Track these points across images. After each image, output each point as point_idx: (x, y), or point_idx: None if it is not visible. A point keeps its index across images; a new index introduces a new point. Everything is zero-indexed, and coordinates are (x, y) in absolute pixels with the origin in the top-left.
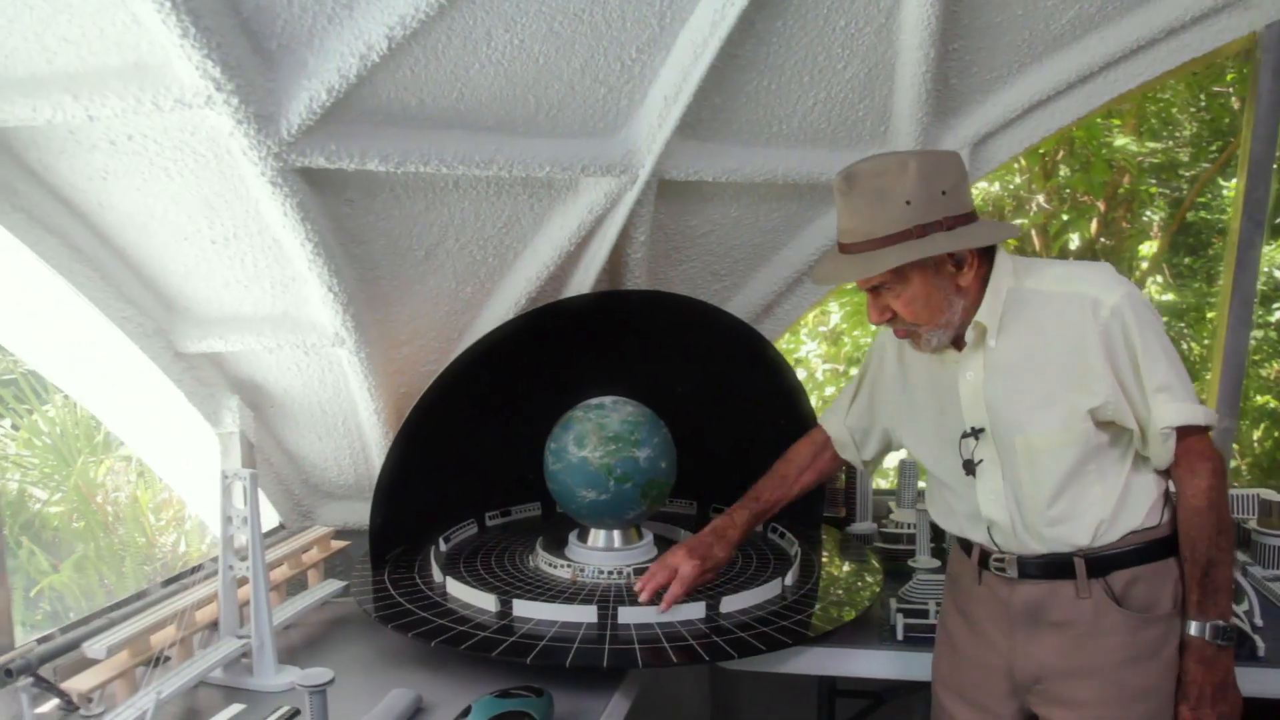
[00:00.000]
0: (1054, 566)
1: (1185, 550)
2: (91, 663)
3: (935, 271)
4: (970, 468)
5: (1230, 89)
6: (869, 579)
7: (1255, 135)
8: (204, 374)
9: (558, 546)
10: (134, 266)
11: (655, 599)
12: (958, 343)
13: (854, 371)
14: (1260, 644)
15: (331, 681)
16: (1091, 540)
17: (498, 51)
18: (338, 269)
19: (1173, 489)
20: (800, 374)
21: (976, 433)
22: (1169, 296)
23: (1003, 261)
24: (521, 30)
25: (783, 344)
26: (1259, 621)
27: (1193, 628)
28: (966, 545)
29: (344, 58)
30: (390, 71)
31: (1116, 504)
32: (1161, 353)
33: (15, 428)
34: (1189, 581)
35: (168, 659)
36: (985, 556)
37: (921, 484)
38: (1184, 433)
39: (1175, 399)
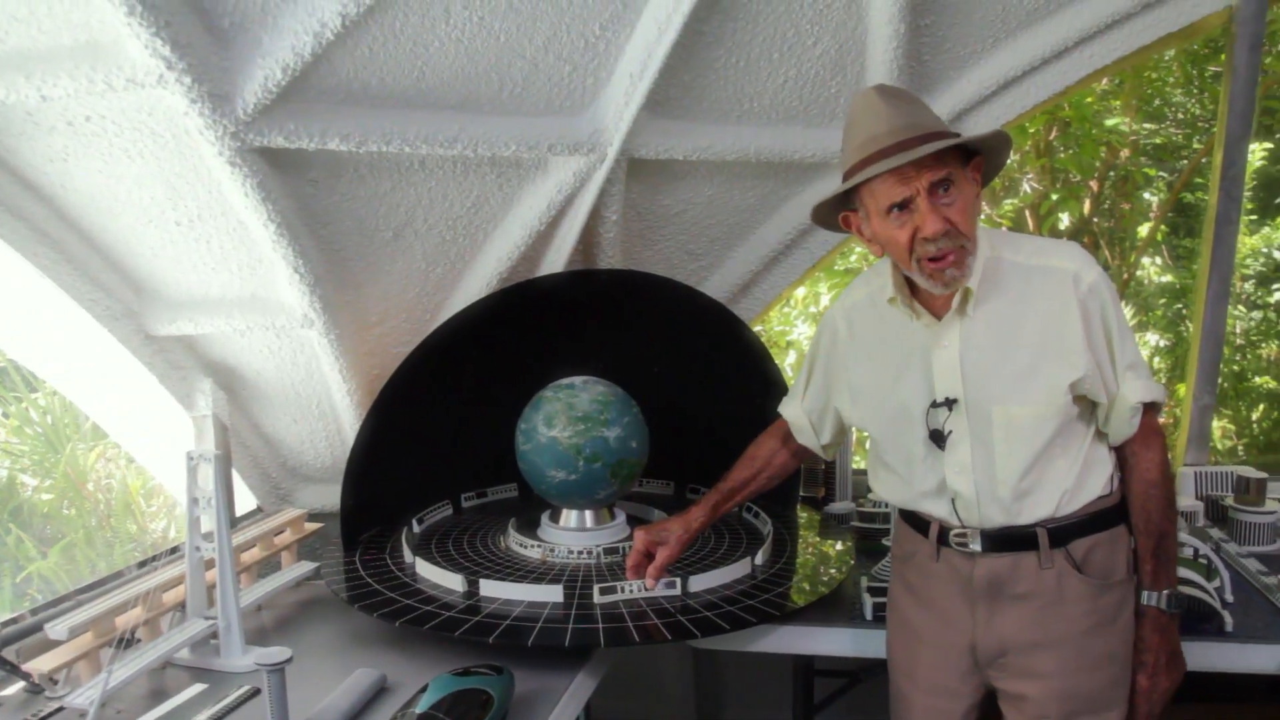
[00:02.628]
0: (1017, 539)
1: (1139, 522)
2: (55, 644)
3: (974, 189)
4: (940, 439)
5: (1224, 65)
6: (842, 558)
7: (1231, 110)
8: (176, 357)
9: (530, 527)
10: (100, 250)
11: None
12: (937, 311)
13: None
14: (1228, 619)
15: (289, 660)
16: (1055, 511)
17: (457, 29)
18: (304, 250)
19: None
20: (791, 355)
21: (949, 403)
22: (1167, 278)
23: (978, 232)
24: (481, 7)
25: (774, 325)
26: (1229, 597)
27: (1149, 597)
28: (920, 522)
29: (299, 35)
30: (348, 50)
31: (1079, 475)
32: (1128, 332)
33: (5, 415)
34: (1142, 553)
35: (136, 640)
36: (944, 532)
37: (861, 464)
38: (1144, 409)
39: (1140, 376)
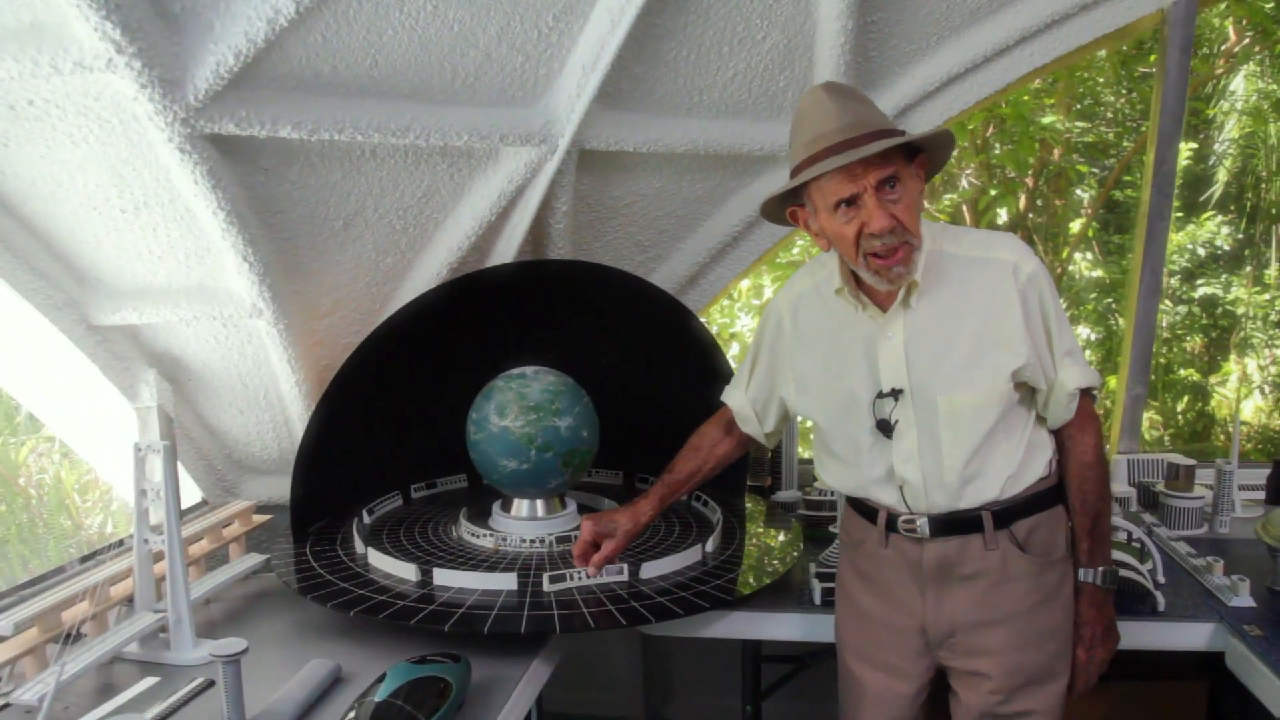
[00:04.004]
0: (963, 522)
1: (1076, 503)
2: (1, 640)
3: (919, 185)
4: (887, 428)
5: (1155, 69)
6: (790, 545)
7: (1163, 110)
8: (119, 347)
9: (481, 517)
10: (41, 237)
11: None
12: (882, 303)
13: None
14: (1160, 600)
15: (245, 651)
16: (999, 494)
17: (411, 17)
18: (253, 239)
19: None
20: (734, 348)
21: (895, 393)
22: (1098, 273)
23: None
24: None
25: (717, 317)
26: (1161, 579)
27: (1086, 574)
28: (868, 510)
29: (251, 21)
30: (301, 37)
31: (1021, 460)
32: (1065, 320)
33: None
34: (1079, 531)
35: (82, 635)
36: (893, 519)
37: (807, 453)
38: (1081, 394)
39: (1077, 363)
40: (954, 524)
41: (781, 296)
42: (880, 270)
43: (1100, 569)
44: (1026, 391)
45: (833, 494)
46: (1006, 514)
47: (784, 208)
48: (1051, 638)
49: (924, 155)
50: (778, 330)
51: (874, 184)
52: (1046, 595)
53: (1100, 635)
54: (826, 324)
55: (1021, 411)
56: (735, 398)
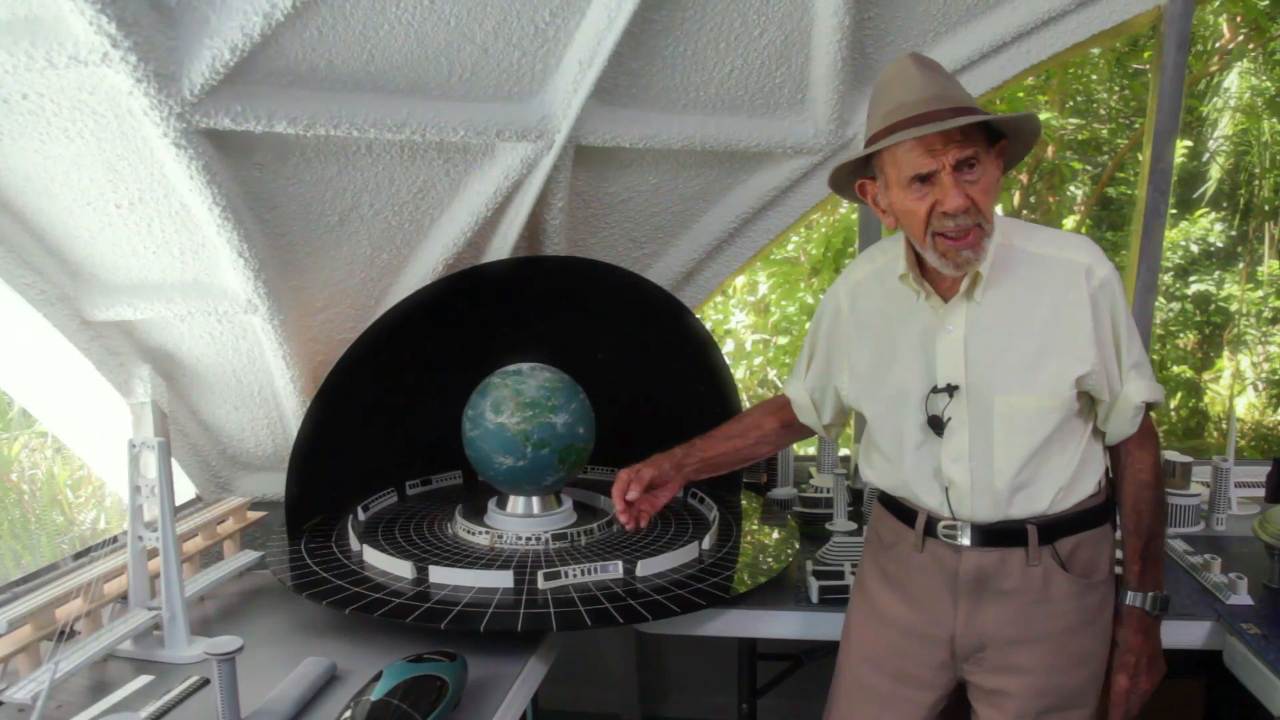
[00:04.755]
0: (1007, 534)
1: (1130, 523)
2: None
3: (997, 172)
4: (938, 425)
5: (1149, 67)
6: (786, 543)
7: (1159, 108)
8: (113, 343)
9: (477, 514)
10: (35, 232)
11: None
12: (944, 293)
13: (781, 341)
14: None
15: (240, 649)
16: (1048, 507)
17: (407, 12)
18: (248, 234)
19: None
20: (729, 344)
21: (951, 389)
22: None
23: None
24: None
25: (711, 314)
26: None
27: (1135, 598)
28: (906, 512)
29: (247, 16)
30: (297, 31)
31: (1074, 473)
32: (1135, 331)
33: None
34: (1130, 553)
35: (76, 633)
36: (932, 523)
37: (844, 450)
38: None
39: (1144, 376)
40: (997, 535)
41: (841, 282)
42: (948, 252)
43: (1151, 594)
44: (1086, 401)
45: (828, 491)
46: (1052, 529)
47: (853, 180)
48: (1086, 662)
49: (1005, 143)
50: (835, 317)
51: (953, 162)
52: (1086, 618)
53: (1145, 664)
54: (885, 312)
55: (1079, 422)
56: (794, 387)
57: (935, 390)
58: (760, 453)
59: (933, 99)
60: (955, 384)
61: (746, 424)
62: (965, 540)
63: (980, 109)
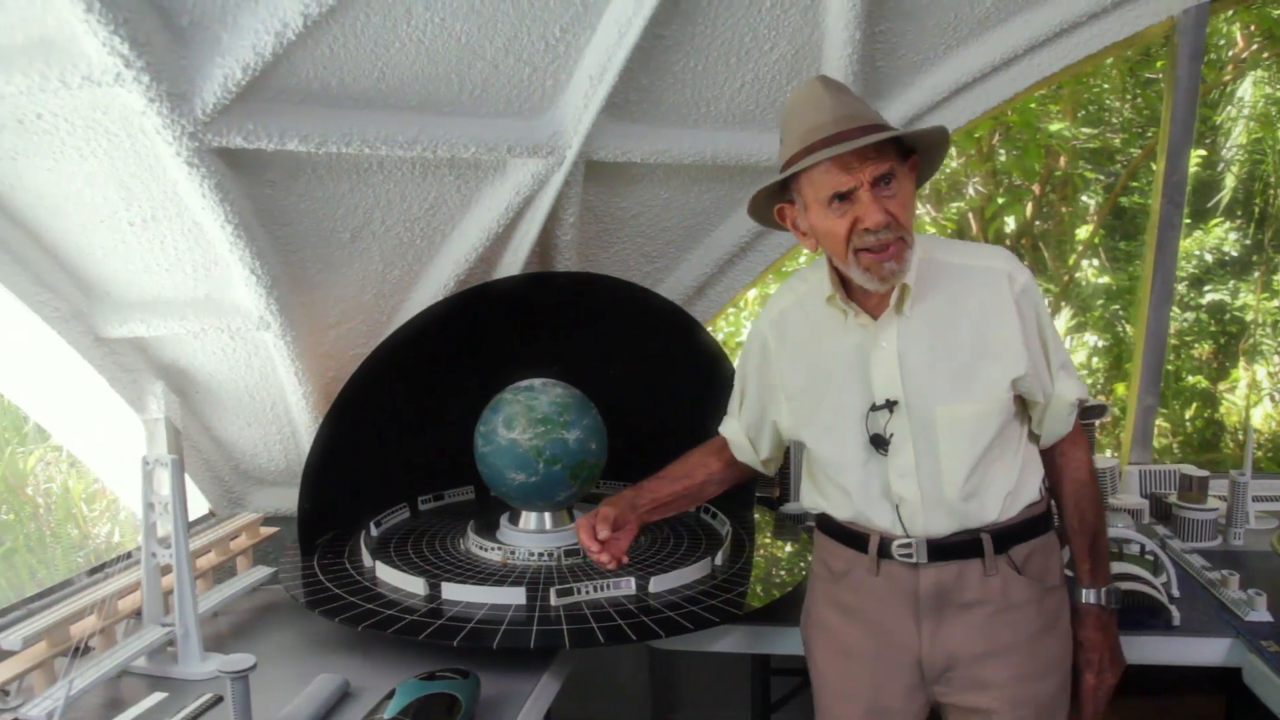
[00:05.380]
0: (962, 545)
1: (1073, 521)
2: (8, 655)
3: (912, 185)
4: (881, 443)
5: (1161, 76)
6: (798, 557)
7: (1173, 119)
8: (127, 359)
9: (489, 529)
10: (49, 250)
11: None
12: (872, 310)
13: None
14: (1176, 614)
15: (253, 667)
16: (999, 515)
17: (418, 30)
18: (260, 251)
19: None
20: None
21: (890, 405)
22: (1104, 279)
23: None
24: (442, 8)
25: (724, 326)
26: (1175, 593)
27: (1090, 595)
28: (856, 537)
29: (259, 35)
30: (308, 50)
31: (1019, 477)
32: (1057, 332)
33: None
34: (1078, 551)
35: (90, 649)
36: (885, 544)
37: None
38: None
39: (1071, 375)
40: (952, 548)
41: (763, 318)
42: (872, 266)
43: (1103, 589)
44: (1020, 406)
45: None
46: (1005, 537)
47: (771, 205)
48: (1054, 669)
49: (916, 157)
50: (763, 352)
51: (870, 179)
52: (1047, 623)
53: (1108, 659)
54: (813, 338)
55: (1016, 427)
56: (730, 427)
57: (874, 408)
58: (709, 493)
59: (844, 118)
60: (894, 399)
61: (691, 464)
62: (922, 557)
63: (890, 126)
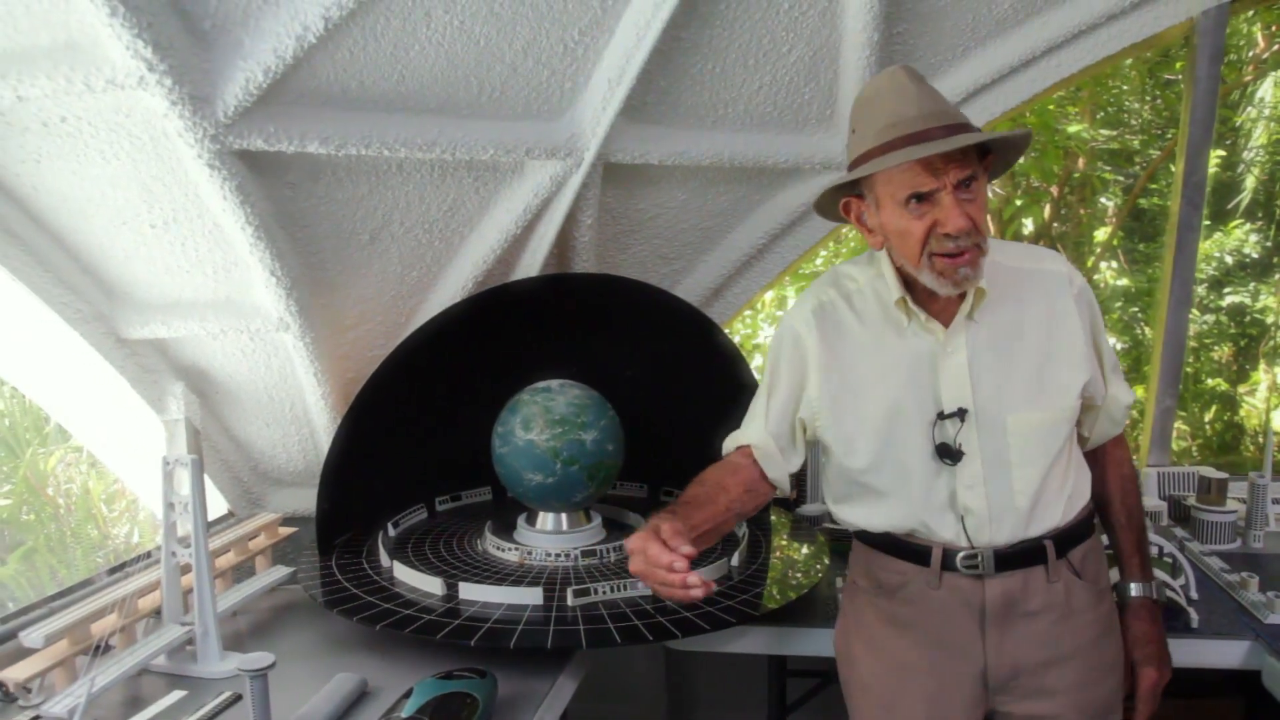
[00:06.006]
0: (1027, 553)
1: (1121, 517)
2: (30, 652)
3: (985, 186)
4: (951, 453)
5: (1181, 77)
6: (815, 559)
7: (1192, 120)
8: (147, 360)
9: (506, 530)
10: (72, 251)
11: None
12: (938, 315)
13: None
14: (1194, 616)
15: (272, 665)
16: (1061, 520)
17: (438, 33)
18: (280, 253)
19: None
20: (757, 359)
21: (962, 414)
22: (1123, 281)
23: None
24: (461, 11)
25: (740, 328)
26: (1194, 595)
27: (1141, 589)
28: (911, 549)
29: (280, 38)
30: (329, 53)
31: (1075, 481)
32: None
33: None
34: (1127, 547)
35: (110, 647)
36: (949, 556)
37: None
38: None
39: (1122, 378)
40: (1017, 556)
41: (796, 314)
42: (946, 271)
43: (1152, 583)
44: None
45: None
46: (1065, 541)
47: (836, 199)
48: (1112, 672)
49: (991, 158)
50: (795, 350)
51: (954, 182)
52: (1106, 627)
53: (1164, 652)
54: (864, 339)
55: (1073, 430)
56: (755, 433)
57: (942, 416)
58: (730, 524)
59: (931, 114)
60: (965, 408)
61: (710, 489)
62: (988, 568)
63: (975, 126)
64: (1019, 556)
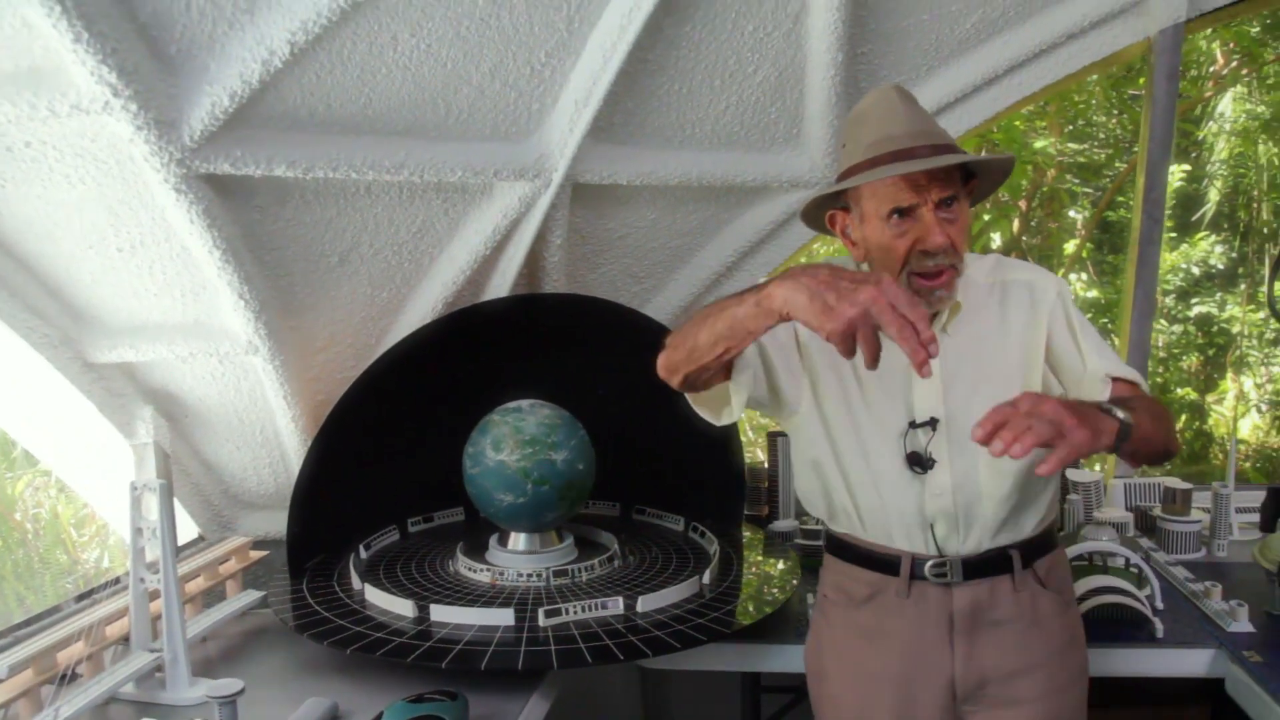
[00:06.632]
0: (994, 562)
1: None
2: None
3: (968, 210)
4: (922, 462)
5: (1144, 92)
6: (788, 575)
7: (1151, 136)
8: (115, 384)
9: (478, 551)
10: (38, 275)
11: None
12: None
13: None
14: (1159, 626)
15: (241, 692)
16: (1031, 531)
17: (404, 56)
18: (248, 276)
19: None
20: None
21: (933, 423)
22: (1093, 293)
23: None
24: (428, 35)
25: None
26: (1160, 605)
27: (1111, 405)
28: (880, 560)
29: (246, 63)
30: (295, 77)
31: (1044, 493)
32: (1089, 323)
33: None
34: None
35: (77, 676)
36: (918, 565)
37: None
38: (1114, 383)
39: (1108, 355)
40: (984, 565)
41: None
42: (922, 290)
43: (1125, 414)
44: None
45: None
46: (1030, 551)
47: (823, 210)
48: (1074, 683)
49: (975, 182)
50: (791, 337)
51: (936, 200)
52: (1070, 636)
53: (1101, 426)
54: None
55: None
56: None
57: (914, 425)
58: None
59: (918, 134)
60: (936, 417)
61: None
62: (956, 576)
63: (960, 148)
64: (986, 565)
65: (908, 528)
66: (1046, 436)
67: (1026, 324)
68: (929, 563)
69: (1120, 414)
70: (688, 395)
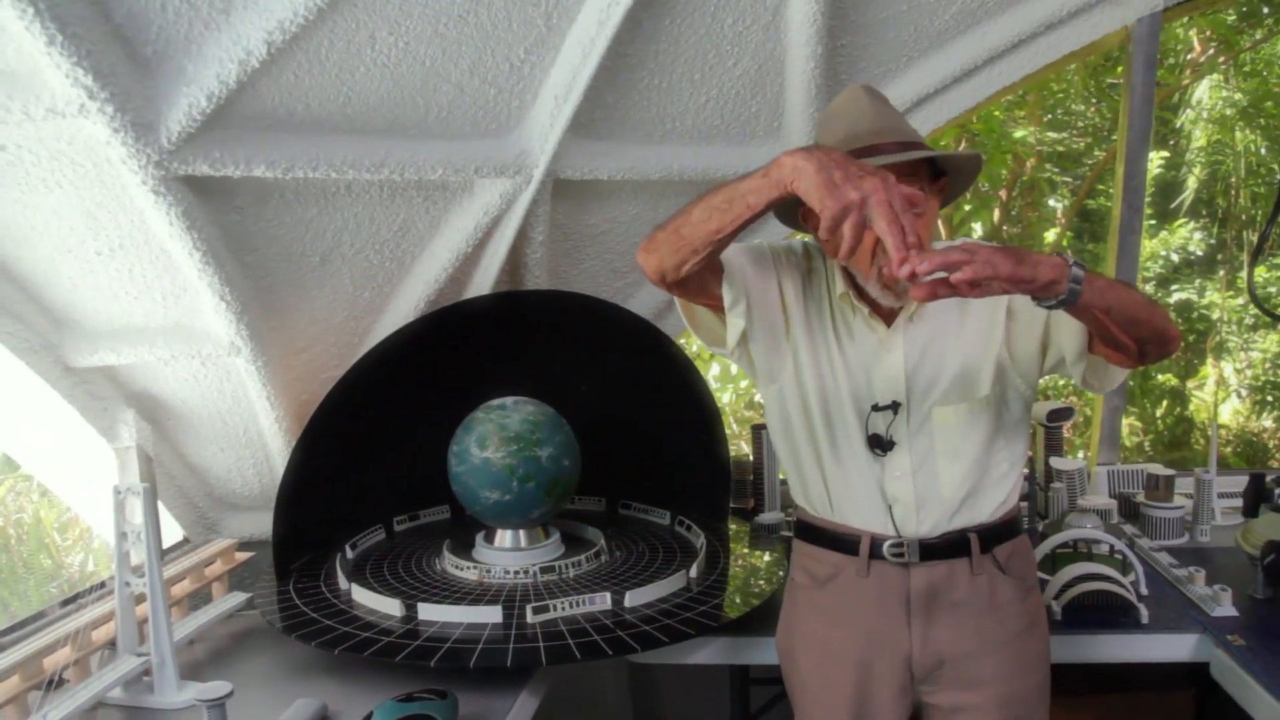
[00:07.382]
0: (952, 545)
1: None
2: None
3: (937, 208)
4: (882, 444)
5: (1122, 81)
6: (775, 567)
7: (1130, 125)
8: (97, 388)
9: (465, 549)
10: (16, 280)
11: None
12: (885, 315)
13: None
14: (1144, 612)
15: (230, 694)
16: (989, 516)
17: (383, 54)
18: (229, 278)
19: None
20: (715, 369)
21: (894, 406)
22: None
23: None
24: (406, 33)
25: (694, 341)
26: (1144, 591)
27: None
28: (842, 540)
29: (223, 64)
30: (273, 77)
31: (1004, 480)
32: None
33: None
34: None
35: (64, 681)
36: (877, 545)
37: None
38: None
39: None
40: (942, 547)
41: (795, 243)
42: (890, 284)
43: (1078, 268)
44: (1019, 405)
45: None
46: (990, 537)
47: (798, 206)
48: (1035, 668)
49: (945, 181)
50: (791, 254)
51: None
52: (1030, 622)
53: (1024, 256)
54: (822, 311)
55: (1016, 430)
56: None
57: (876, 408)
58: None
59: (883, 131)
60: (898, 401)
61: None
62: (914, 557)
63: (927, 145)
64: (944, 547)
65: (869, 508)
66: (956, 259)
67: (990, 309)
68: (887, 542)
69: (1072, 259)
70: (679, 304)
